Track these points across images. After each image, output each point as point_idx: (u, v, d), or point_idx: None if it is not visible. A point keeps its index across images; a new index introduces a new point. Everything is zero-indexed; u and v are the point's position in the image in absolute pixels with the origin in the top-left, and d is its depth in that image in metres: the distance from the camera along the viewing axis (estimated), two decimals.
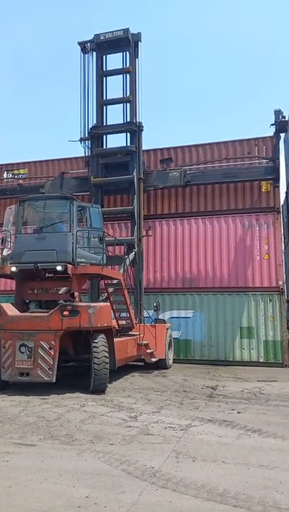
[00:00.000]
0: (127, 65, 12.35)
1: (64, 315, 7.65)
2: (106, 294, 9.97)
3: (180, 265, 12.83)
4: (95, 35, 12.26)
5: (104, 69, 12.65)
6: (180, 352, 12.26)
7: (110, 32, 12.08)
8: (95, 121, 12.39)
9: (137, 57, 12.32)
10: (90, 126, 12.37)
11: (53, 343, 7.58)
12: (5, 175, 14.72)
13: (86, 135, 12.34)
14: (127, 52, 12.35)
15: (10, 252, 8.85)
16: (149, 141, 12.86)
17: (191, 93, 51.27)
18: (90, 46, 12.45)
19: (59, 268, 8.13)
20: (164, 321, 11.63)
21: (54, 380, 7.46)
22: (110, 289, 9.86)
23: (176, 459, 4.40)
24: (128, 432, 5.36)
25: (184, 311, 12.53)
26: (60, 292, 8.90)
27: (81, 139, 12.41)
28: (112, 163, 12.42)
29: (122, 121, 12.26)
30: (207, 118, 51.49)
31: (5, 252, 8.92)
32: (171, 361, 11.19)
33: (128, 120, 12.11)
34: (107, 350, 7.89)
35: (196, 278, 12.63)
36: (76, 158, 13.64)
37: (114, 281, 9.71)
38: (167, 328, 11.16)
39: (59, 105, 54.15)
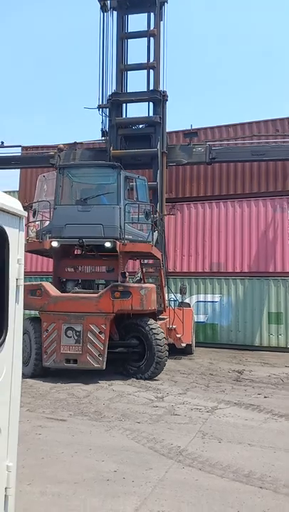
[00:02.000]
0: (152, 28, 11.28)
1: (115, 296, 7.05)
2: (140, 275, 9.46)
3: (208, 249, 12.71)
4: None
5: (125, 31, 11.60)
6: (206, 336, 12.28)
7: None
8: (114, 89, 11.42)
9: (162, 19, 11.36)
10: (108, 94, 11.39)
11: (103, 326, 6.97)
12: None
13: (104, 102, 11.40)
14: (152, 14, 11.30)
15: (46, 225, 8.07)
16: (169, 118, 11.94)
17: (218, 66, 49.13)
18: (111, 4, 11.44)
19: (108, 245, 7.38)
20: (188, 305, 11.60)
21: (104, 367, 6.98)
22: (148, 270, 9.24)
23: (202, 439, 4.48)
24: (155, 411, 5.48)
25: (211, 295, 12.48)
26: (101, 271, 8.30)
27: (99, 107, 11.42)
28: (132, 134, 11.54)
29: (142, 90, 11.34)
30: (235, 94, 49.52)
31: (33, 226, 8.10)
32: (194, 346, 11.17)
33: (152, 89, 11.21)
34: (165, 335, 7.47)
35: (224, 262, 12.51)
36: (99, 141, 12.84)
37: (151, 262, 9.09)
38: (192, 312, 11.14)
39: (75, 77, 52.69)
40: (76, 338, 6.98)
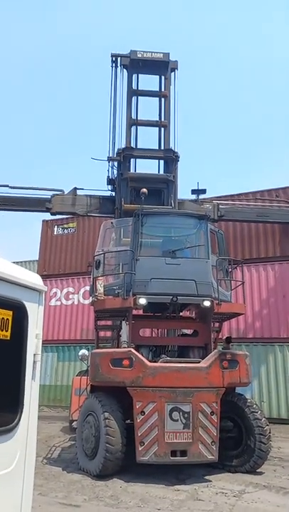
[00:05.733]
0: (163, 90, 11.70)
1: (224, 366, 5.97)
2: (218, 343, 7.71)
3: None
4: (131, 50, 11.69)
5: (135, 87, 11.78)
6: None
7: (149, 52, 11.55)
8: (123, 142, 11.34)
9: (171, 84, 11.79)
10: (117, 147, 11.26)
11: (215, 405, 5.76)
12: (55, 229, 15.44)
13: (113, 155, 11.28)
14: (163, 77, 11.74)
15: (118, 279, 7.04)
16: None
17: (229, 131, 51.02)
18: (122, 61, 11.64)
19: (207, 304, 6.48)
20: None
21: (217, 459, 5.74)
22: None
23: None
24: (176, 496, 5.04)
25: None
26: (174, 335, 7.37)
27: (110, 159, 11.26)
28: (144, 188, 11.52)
29: (150, 147, 11.50)
30: (240, 161, 51.16)
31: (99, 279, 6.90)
32: None
33: (164, 147, 11.28)
34: None
35: (244, 328, 12.20)
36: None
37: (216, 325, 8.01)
38: None
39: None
40: (184, 421, 5.61)
